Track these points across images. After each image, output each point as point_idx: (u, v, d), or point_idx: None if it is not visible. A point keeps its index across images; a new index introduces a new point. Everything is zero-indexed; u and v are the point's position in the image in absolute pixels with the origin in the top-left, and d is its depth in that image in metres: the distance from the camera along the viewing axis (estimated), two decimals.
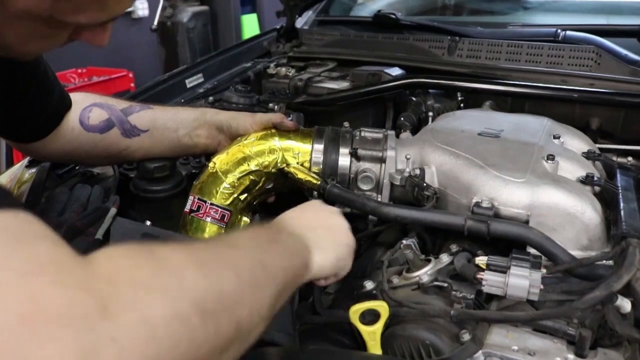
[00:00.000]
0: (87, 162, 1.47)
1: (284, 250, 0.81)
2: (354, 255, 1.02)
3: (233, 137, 1.37)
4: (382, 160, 1.28)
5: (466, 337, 0.94)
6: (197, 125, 1.38)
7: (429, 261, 1.08)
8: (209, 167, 1.30)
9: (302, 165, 1.30)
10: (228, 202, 1.28)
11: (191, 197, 1.29)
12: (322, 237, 0.93)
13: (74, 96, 1.37)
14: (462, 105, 1.76)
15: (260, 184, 1.31)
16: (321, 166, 1.29)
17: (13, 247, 0.47)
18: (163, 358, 0.49)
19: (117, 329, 0.47)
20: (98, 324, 0.46)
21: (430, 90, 1.78)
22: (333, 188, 1.22)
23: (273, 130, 1.33)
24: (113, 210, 1.19)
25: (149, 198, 1.45)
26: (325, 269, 0.92)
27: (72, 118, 1.33)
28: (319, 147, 1.29)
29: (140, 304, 0.50)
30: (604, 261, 0.99)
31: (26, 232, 0.49)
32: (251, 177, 1.29)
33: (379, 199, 1.28)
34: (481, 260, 0.98)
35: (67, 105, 1.33)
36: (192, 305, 0.54)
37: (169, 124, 1.37)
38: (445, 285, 1.03)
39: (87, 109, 1.33)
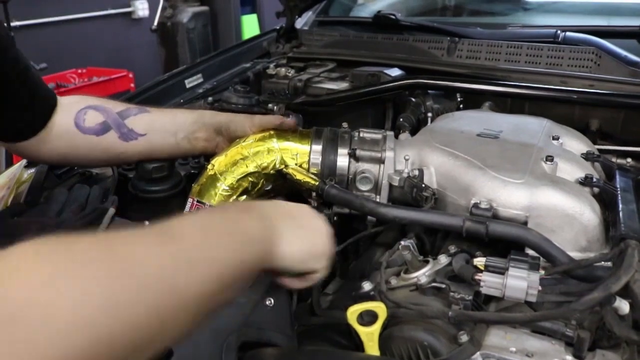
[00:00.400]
0: (85, 164, 1.47)
1: (235, 239, 0.75)
2: (329, 265, 0.95)
3: (231, 139, 1.36)
4: (380, 161, 1.28)
5: (464, 338, 0.94)
6: (195, 128, 1.37)
7: (427, 262, 1.08)
8: (208, 169, 1.30)
9: (300, 166, 1.29)
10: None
11: (190, 200, 1.29)
12: (294, 230, 0.88)
13: (69, 98, 1.36)
14: (461, 106, 1.76)
15: (259, 186, 1.31)
16: (319, 167, 1.28)
17: None
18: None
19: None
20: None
21: (429, 91, 1.78)
22: (331, 188, 1.22)
23: (271, 132, 1.33)
24: (111, 211, 1.19)
25: (147, 198, 1.45)
26: (288, 261, 0.86)
27: (67, 120, 1.31)
28: (317, 148, 1.29)
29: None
30: (603, 263, 0.99)
31: None
32: (250, 178, 1.29)
33: (378, 200, 1.28)
34: (479, 261, 0.98)
35: (52, 104, 1.31)
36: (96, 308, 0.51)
37: (167, 127, 1.36)
38: (444, 286, 1.03)
39: (82, 111, 1.32)
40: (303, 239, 0.89)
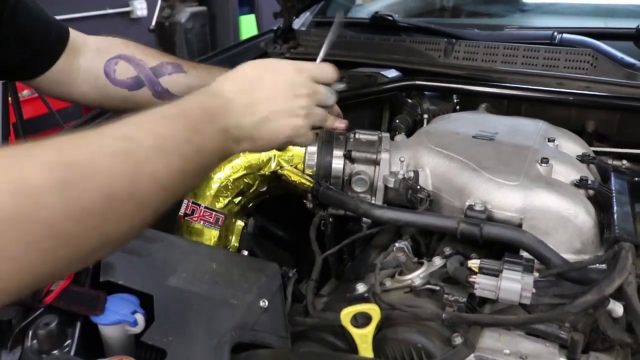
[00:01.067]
0: (122, 111, 1.45)
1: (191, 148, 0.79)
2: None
3: None
4: (376, 162, 1.28)
5: (458, 340, 0.94)
6: None
7: (421, 264, 1.08)
8: None
9: (296, 167, 1.29)
10: (222, 205, 1.28)
11: (185, 201, 1.29)
12: (254, 122, 0.92)
13: (97, 40, 1.30)
14: (458, 107, 1.76)
15: (255, 187, 1.31)
16: (315, 168, 1.28)
17: None
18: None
19: None
20: None
21: (426, 92, 1.78)
22: (326, 190, 1.22)
23: None
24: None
25: None
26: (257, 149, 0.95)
27: (96, 66, 1.26)
28: (313, 149, 1.29)
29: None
30: (597, 265, 0.99)
31: None
32: (245, 180, 1.29)
33: (373, 202, 1.28)
34: (474, 263, 0.98)
35: (61, 39, 1.26)
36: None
37: None
38: (438, 288, 1.03)
39: (113, 61, 1.26)
40: (269, 134, 0.94)
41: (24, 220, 0.57)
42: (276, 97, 0.95)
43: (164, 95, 1.27)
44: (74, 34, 1.29)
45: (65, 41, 1.26)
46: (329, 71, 1.05)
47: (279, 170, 1.29)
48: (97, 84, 1.27)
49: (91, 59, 1.27)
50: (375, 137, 1.32)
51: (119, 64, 1.26)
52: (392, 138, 1.40)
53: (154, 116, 0.79)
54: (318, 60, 1.07)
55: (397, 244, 1.09)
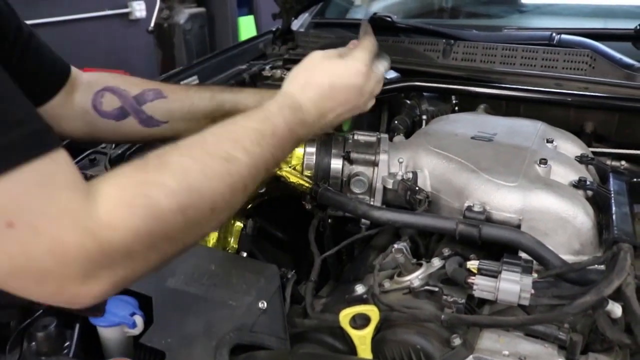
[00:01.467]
0: (114, 143, 1.48)
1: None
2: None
3: None
4: (374, 163, 1.28)
5: (457, 341, 0.94)
6: (216, 116, 1.32)
7: (420, 265, 1.08)
8: None
9: (294, 168, 1.29)
10: None
11: None
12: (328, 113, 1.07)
13: (89, 76, 1.33)
14: (456, 108, 1.76)
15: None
16: (313, 170, 1.28)
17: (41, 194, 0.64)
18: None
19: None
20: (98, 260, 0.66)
21: (424, 93, 1.78)
22: (325, 191, 1.22)
23: None
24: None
25: None
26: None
27: (85, 100, 1.29)
28: (311, 150, 1.29)
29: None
30: (596, 266, 0.99)
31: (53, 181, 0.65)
32: None
33: (372, 203, 1.28)
34: (472, 264, 0.98)
35: (63, 74, 1.29)
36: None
37: (186, 116, 1.33)
38: (437, 289, 1.03)
39: (100, 93, 1.29)
40: (346, 115, 1.12)
41: (155, 238, 0.71)
42: (348, 102, 1.10)
43: (149, 122, 1.31)
44: (73, 71, 1.32)
45: (66, 77, 1.29)
46: (373, 43, 1.20)
47: (278, 172, 1.29)
48: (87, 118, 1.29)
49: (82, 94, 1.30)
50: (373, 138, 1.32)
51: (105, 96, 1.29)
52: (390, 139, 1.40)
53: (251, 133, 0.89)
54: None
55: (395, 245, 1.09)
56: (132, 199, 0.69)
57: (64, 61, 1.32)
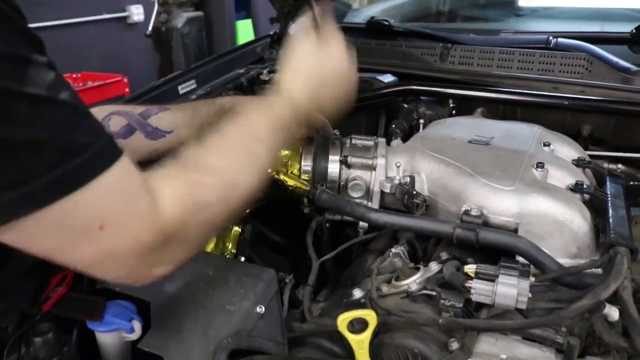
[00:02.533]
0: None
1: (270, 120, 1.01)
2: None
3: None
4: (372, 167, 1.28)
5: (454, 345, 0.94)
6: (218, 119, 1.34)
7: (417, 269, 1.08)
8: None
9: (292, 172, 1.29)
10: None
11: None
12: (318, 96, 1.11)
13: (92, 110, 1.35)
14: (454, 112, 1.76)
15: None
16: (311, 173, 1.28)
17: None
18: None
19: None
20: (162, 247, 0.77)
21: (422, 97, 1.78)
22: (322, 194, 1.22)
23: None
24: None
25: None
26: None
27: None
28: (309, 154, 1.29)
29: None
30: (592, 269, 0.99)
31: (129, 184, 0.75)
32: None
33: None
34: (470, 268, 0.98)
35: None
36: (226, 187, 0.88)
37: (191, 122, 1.35)
38: (434, 293, 1.03)
39: (107, 118, 1.32)
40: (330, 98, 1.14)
41: (204, 226, 0.85)
42: (338, 84, 1.15)
43: (155, 134, 1.33)
44: None
45: None
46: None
47: (275, 176, 1.29)
48: None
49: None
50: (371, 143, 1.32)
51: (112, 119, 1.33)
52: (388, 143, 1.40)
53: (266, 128, 0.99)
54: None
55: (393, 250, 1.09)
56: (185, 197, 0.80)
57: None
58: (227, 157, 0.92)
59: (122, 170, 0.73)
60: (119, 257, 0.74)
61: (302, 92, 1.09)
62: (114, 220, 0.72)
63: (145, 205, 0.75)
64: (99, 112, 1.32)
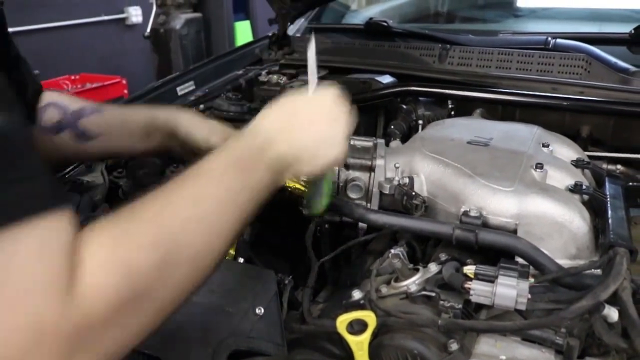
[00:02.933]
0: (49, 161, 1.46)
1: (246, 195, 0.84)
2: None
3: (188, 145, 1.31)
4: (371, 168, 1.28)
5: (454, 346, 0.94)
6: (147, 131, 1.34)
7: (417, 270, 1.08)
8: None
9: None
10: None
11: None
12: (302, 155, 0.92)
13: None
14: (452, 112, 1.76)
15: None
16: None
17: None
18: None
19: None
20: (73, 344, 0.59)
21: (420, 98, 1.78)
22: None
23: None
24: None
25: None
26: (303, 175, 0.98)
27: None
28: None
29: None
30: (592, 270, 0.99)
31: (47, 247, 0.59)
32: None
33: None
34: (469, 269, 0.98)
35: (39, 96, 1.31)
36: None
37: (120, 129, 1.34)
38: (433, 294, 1.02)
39: (43, 109, 1.31)
40: (312, 159, 0.93)
41: (135, 297, 0.65)
42: (316, 125, 0.94)
43: (83, 137, 1.32)
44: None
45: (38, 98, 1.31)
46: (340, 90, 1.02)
47: None
48: None
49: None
50: (370, 144, 1.32)
51: (47, 110, 1.31)
52: (387, 144, 1.40)
53: (214, 173, 0.83)
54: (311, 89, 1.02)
55: (392, 251, 1.09)
56: (111, 263, 0.64)
57: (40, 85, 1.34)
58: (164, 207, 0.74)
59: (46, 228, 0.59)
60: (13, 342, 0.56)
61: (272, 125, 0.92)
62: (13, 294, 0.56)
63: (55, 276, 0.59)
64: (43, 97, 1.33)
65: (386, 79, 1.85)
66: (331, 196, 1.05)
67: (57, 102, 1.32)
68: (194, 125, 1.33)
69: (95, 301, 0.61)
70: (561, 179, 1.21)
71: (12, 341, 0.55)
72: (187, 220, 0.74)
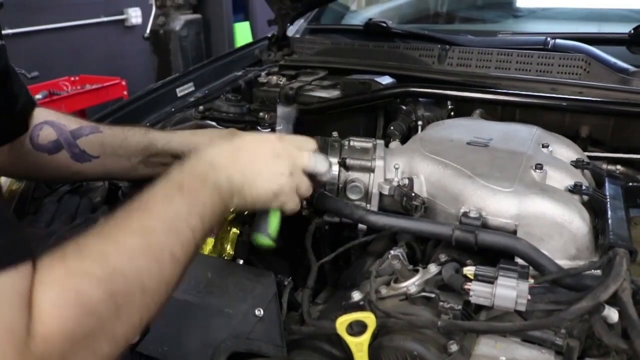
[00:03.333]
0: (42, 179, 1.45)
1: (194, 211, 0.85)
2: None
3: None
4: (370, 169, 1.28)
5: (454, 347, 0.94)
6: (147, 154, 1.33)
7: (416, 271, 1.08)
8: None
9: None
10: None
11: None
12: (252, 181, 0.95)
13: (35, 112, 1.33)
14: (452, 113, 1.76)
15: None
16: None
17: None
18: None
19: None
20: None
21: (420, 99, 1.78)
22: (322, 195, 1.22)
23: None
24: (102, 221, 1.18)
25: None
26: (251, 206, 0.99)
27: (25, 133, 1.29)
28: None
29: None
30: (592, 271, 0.99)
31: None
32: None
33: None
34: (469, 270, 0.98)
35: (30, 111, 1.29)
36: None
37: (118, 151, 1.32)
38: (433, 295, 1.02)
39: (38, 127, 1.29)
40: (252, 189, 0.96)
41: (90, 331, 0.66)
42: (258, 156, 0.98)
43: (81, 157, 1.30)
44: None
45: (31, 114, 1.30)
46: (307, 140, 1.07)
47: None
48: (22, 151, 1.28)
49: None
50: (369, 145, 1.32)
51: (43, 129, 1.29)
52: (386, 145, 1.40)
53: (157, 199, 0.83)
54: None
55: (392, 252, 1.08)
56: (62, 300, 0.65)
57: (32, 98, 1.32)
58: (110, 239, 0.74)
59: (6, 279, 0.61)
60: None
61: (217, 153, 0.95)
62: None
63: (20, 325, 0.60)
64: (35, 115, 1.31)
65: (386, 80, 1.85)
66: (274, 240, 1.06)
67: (53, 121, 1.31)
68: (194, 141, 1.32)
69: (52, 340, 0.62)
70: (561, 179, 1.21)
71: None
72: (133, 252, 0.74)
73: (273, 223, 1.05)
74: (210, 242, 1.27)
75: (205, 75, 2.15)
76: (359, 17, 2.70)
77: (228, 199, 0.93)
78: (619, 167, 1.45)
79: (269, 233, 1.04)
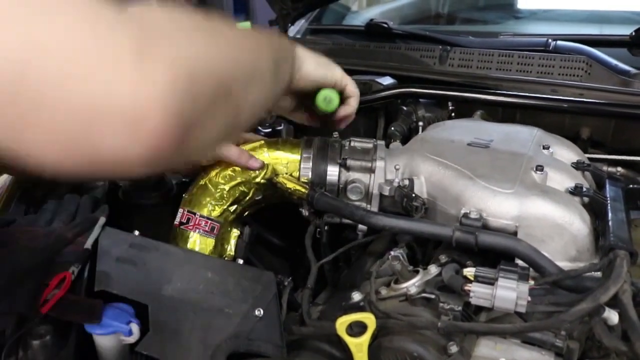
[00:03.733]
0: None
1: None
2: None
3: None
4: (371, 170, 1.28)
5: (454, 349, 0.94)
6: None
7: (417, 272, 1.08)
8: (199, 179, 1.30)
9: (291, 175, 1.29)
10: (218, 213, 1.28)
11: (181, 210, 1.28)
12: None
13: None
14: (453, 114, 1.76)
15: (250, 195, 1.31)
16: (310, 176, 1.28)
17: None
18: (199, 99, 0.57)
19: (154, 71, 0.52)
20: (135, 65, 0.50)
21: (421, 100, 1.78)
22: (321, 196, 1.22)
23: (262, 142, 1.33)
24: (102, 220, 1.18)
25: (138, 207, 1.45)
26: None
27: None
28: (308, 156, 1.29)
29: (174, 47, 0.56)
30: (592, 273, 0.99)
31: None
32: (240, 188, 1.29)
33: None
34: (469, 271, 0.98)
35: None
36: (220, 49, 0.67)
37: None
38: (433, 296, 1.03)
39: None
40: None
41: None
42: None
43: None
44: None
45: None
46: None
47: (274, 178, 1.28)
48: None
49: None
50: (370, 145, 1.32)
51: None
52: (387, 145, 1.40)
53: (260, 39, 0.86)
54: None
55: (392, 252, 1.09)
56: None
57: None
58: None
59: None
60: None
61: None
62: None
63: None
64: None
65: (386, 81, 1.85)
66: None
67: None
68: None
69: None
70: (561, 181, 1.21)
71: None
72: (251, 50, 0.79)
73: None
74: (211, 242, 1.27)
75: None
76: (360, 17, 2.69)
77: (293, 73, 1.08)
78: (619, 169, 1.44)
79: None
